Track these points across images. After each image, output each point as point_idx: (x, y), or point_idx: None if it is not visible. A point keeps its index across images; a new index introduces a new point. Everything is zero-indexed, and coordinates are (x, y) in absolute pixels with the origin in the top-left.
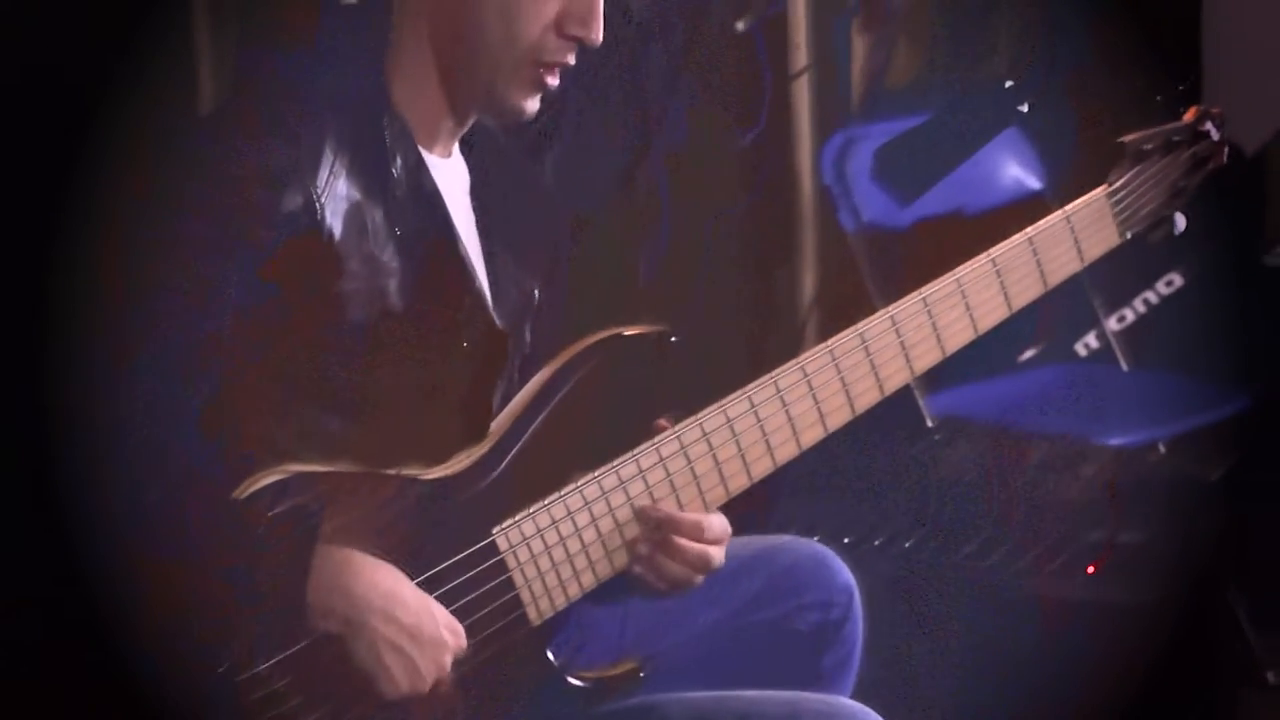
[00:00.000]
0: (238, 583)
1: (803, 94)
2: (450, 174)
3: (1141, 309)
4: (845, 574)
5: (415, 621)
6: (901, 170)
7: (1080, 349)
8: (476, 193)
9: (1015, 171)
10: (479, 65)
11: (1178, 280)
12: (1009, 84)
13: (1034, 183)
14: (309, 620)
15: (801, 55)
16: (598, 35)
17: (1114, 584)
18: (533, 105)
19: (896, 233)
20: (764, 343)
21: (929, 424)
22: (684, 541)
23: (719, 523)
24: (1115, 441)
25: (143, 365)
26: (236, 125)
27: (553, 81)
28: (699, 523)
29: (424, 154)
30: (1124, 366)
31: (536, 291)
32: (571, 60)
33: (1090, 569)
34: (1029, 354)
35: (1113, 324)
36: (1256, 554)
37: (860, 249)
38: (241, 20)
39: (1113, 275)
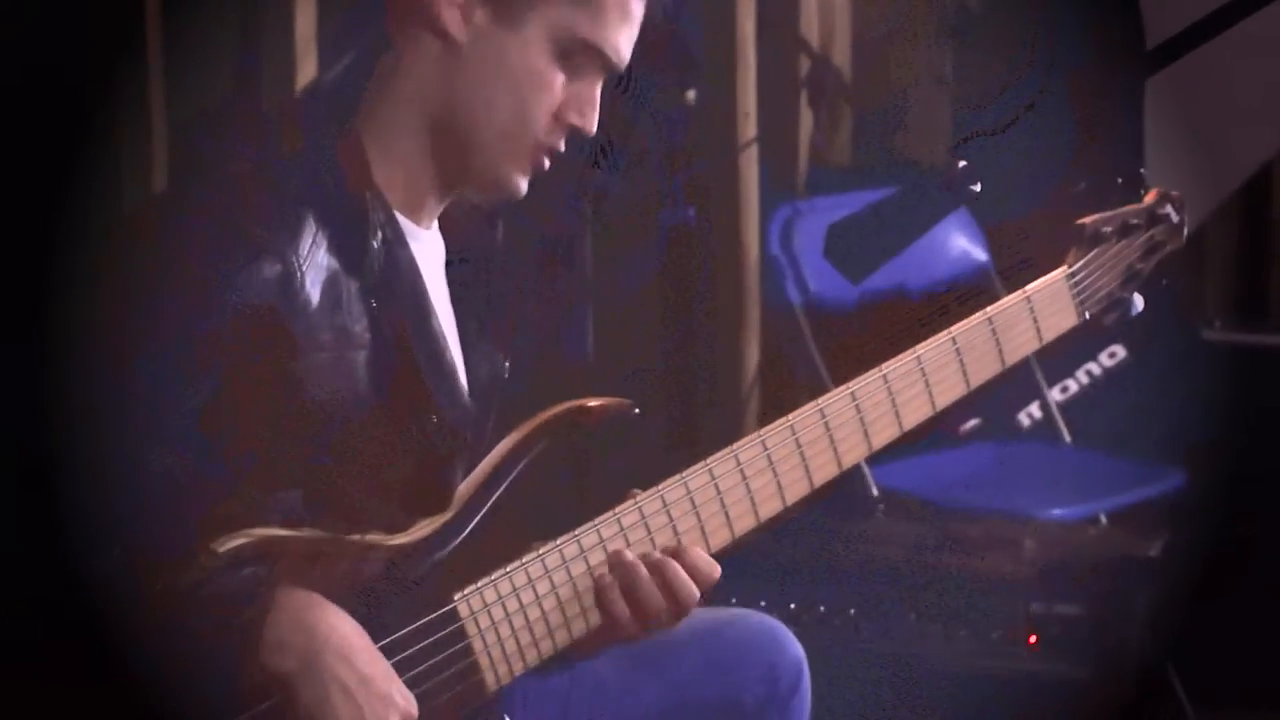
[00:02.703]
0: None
1: (751, 165)
2: (428, 247)
3: (1084, 380)
4: (794, 647)
5: (369, 671)
6: (854, 247)
7: (1023, 419)
8: (450, 266)
9: (962, 247)
10: (484, 148)
11: (1120, 352)
12: (962, 164)
13: (981, 259)
14: (264, 655)
15: (750, 125)
16: (594, 125)
17: (1054, 657)
18: (525, 184)
19: (842, 306)
20: (707, 414)
21: (874, 493)
22: (684, 577)
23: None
24: (1057, 514)
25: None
26: (217, 191)
27: (546, 163)
28: (713, 573)
29: (407, 224)
30: (1066, 438)
31: (506, 365)
32: (562, 146)
33: (1032, 639)
34: (971, 424)
35: (1055, 395)
36: (1195, 629)
37: (805, 321)
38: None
39: (1056, 346)
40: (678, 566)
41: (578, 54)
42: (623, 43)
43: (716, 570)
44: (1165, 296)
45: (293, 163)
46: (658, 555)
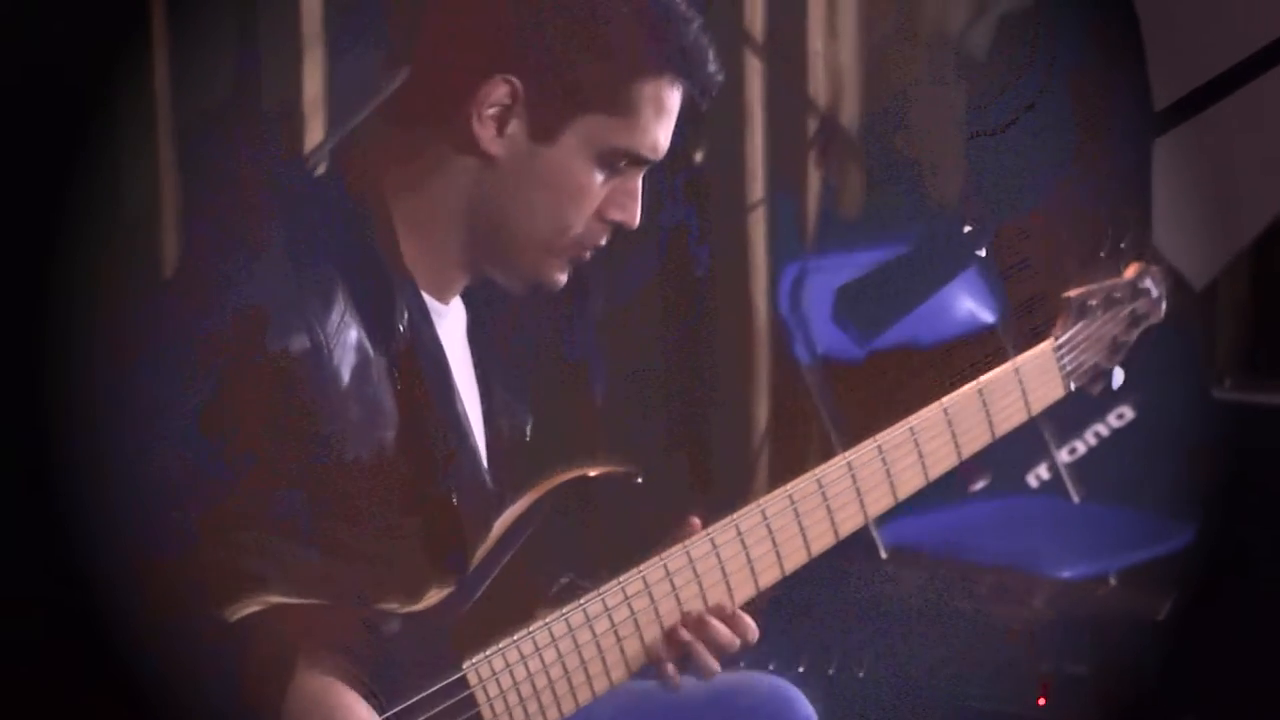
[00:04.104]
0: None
1: (759, 224)
2: (451, 320)
3: (1092, 441)
4: (807, 710)
5: None
6: (861, 310)
7: (1032, 480)
8: (473, 333)
9: (969, 306)
10: (523, 252)
11: (1128, 413)
12: (968, 229)
13: (988, 318)
14: None
15: (758, 186)
16: (636, 218)
17: (1063, 715)
18: (563, 279)
19: (851, 365)
20: (717, 475)
21: (882, 553)
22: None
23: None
24: (1065, 573)
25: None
26: (247, 265)
27: (586, 257)
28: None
29: (431, 303)
30: (1075, 498)
31: (529, 427)
32: (604, 242)
33: (1040, 700)
34: (980, 484)
35: (1064, 456)
36: (1204, 689)
37: (815, 380)
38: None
39: (1064, 407)
40: (720, 625)
41: (615, 159)
42: (661, 138)
43: (755, 634)
44: (1175, 355)
45: (322, 239)
46: (699, 614)
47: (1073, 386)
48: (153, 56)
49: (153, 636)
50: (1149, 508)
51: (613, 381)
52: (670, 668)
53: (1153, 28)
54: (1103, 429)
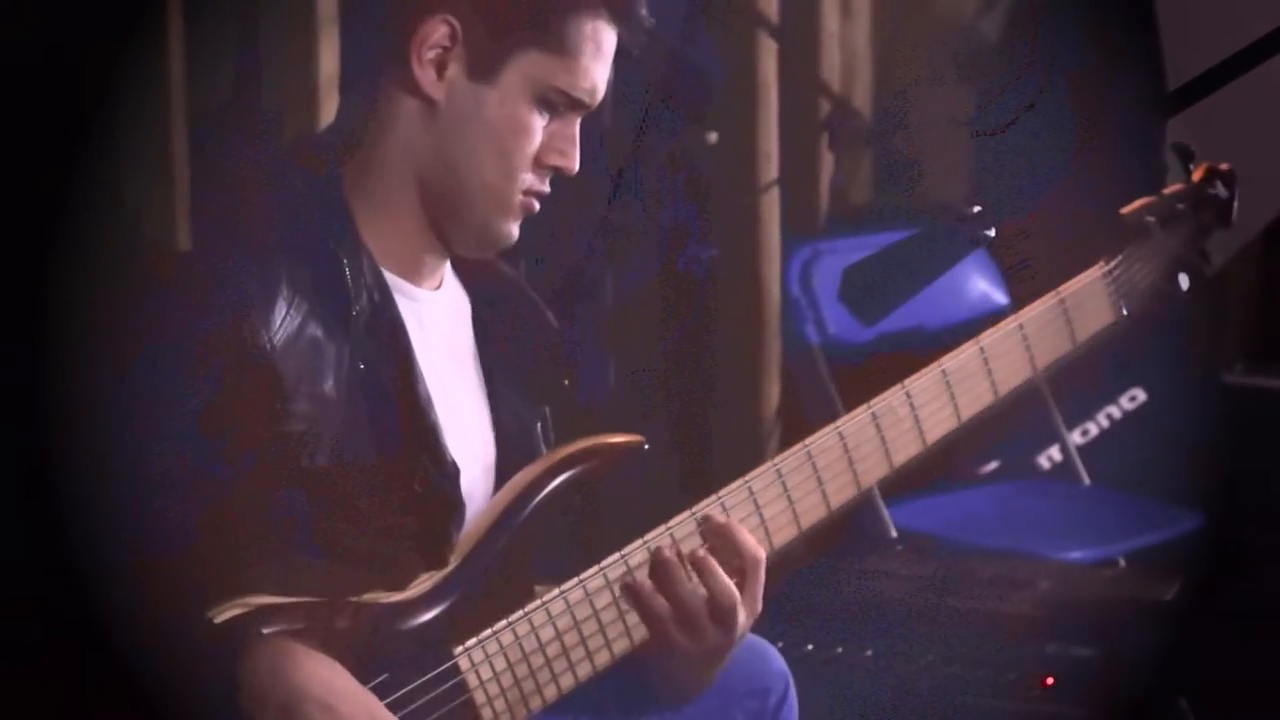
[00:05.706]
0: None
1: (772, 206)
2: (433, 306)
3: (1105, 423)
4: (779, 661)
5: (351, 713)
6: (867, 291)
7: (1043, 462)
8: (478, 323)
9: (980, 287)
10: (471, 202)
11: (1141, 396)
12: (976, 209)
13: (999, 298)
14: (243, 703)
15: (772, 166)
16: (575, 164)
17: (1070, 699)
18: (515, 231)
19: (861, 346)
20: (727, 454)
21: (892, 534)
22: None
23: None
24: (1074, 556)
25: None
26: (187, 269)
27: (535, 208)
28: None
29: (404, 286)
30: (1085, 481)
31: (540, 425)
32: (548, 189)
33: (1048, 680)
34: (991, 466)
35: (1075, 438)
36: (1207, 671)
37: (825, 361)
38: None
39: (1076, 389)
40: (714, 562)
41: (555, 100)
42: (599, 82)
43: (760, 552)
44: (1185, 338)
45: (274, 223)
46: (694, 551)
47: (1124, 312)
48: (158, 52)
49: (152, 637)
50: (1159, 491)
51: (614, 380)
52: (672, 627)
53: (1168, 8)
54: (1115, 411)
